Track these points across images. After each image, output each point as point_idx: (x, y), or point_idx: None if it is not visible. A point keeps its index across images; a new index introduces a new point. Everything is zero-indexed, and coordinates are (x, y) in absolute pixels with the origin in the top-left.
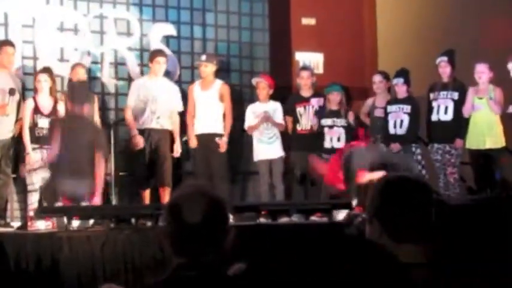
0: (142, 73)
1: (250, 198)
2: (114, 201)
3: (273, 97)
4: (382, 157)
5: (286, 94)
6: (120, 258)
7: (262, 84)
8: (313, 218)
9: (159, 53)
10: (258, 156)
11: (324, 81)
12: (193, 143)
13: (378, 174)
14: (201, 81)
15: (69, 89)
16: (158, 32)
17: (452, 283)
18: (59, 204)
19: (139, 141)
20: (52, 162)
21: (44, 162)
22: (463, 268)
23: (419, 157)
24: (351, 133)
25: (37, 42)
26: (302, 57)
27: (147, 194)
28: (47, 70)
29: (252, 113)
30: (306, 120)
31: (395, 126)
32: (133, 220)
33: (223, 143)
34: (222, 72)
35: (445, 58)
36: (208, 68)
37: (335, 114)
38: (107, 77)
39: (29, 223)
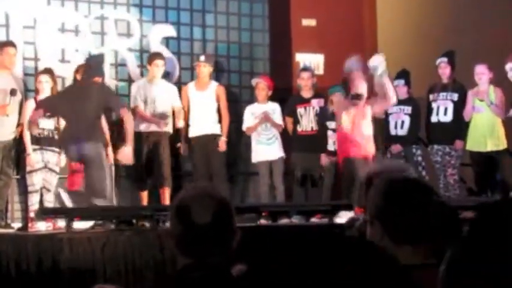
0: (142, 74)
1: (250, 199)
2: (114, 203)
3: (273, 98)
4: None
5: (286, 95)
6: (121, 260)
7: (261, 85)
8: (314, 220)
9: (157, 56)
10: (258, 157)
11: (324, 83)
12: (183, 150)
13: None
14: (197, 82)
15: (86, 60)
16: (158, 33)
17: (454, 285)
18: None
19: (161, 124)
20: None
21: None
22: (466, 270)
23: (419, 158)
24: None
25: (38, 43)
26: (302, 58)
27: (145, 195)
28: (48, 71)
29: (251, 114)
30: (307, 121)
31: (396, 127)
32: (134, 221)
33: (222, 143)
34: (221, 73)
35: (445, 59)
36: (206, 69)
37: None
38: (108, 77)
39: (29, 224)
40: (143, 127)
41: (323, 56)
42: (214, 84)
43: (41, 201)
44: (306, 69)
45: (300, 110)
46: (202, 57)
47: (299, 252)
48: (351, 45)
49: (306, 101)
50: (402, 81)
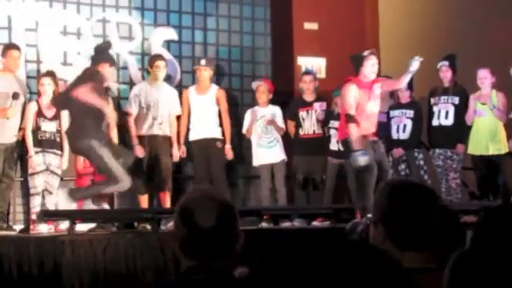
0: (143, 77)
1: (252, 202)
2: (115, 205)
3: (275, 101)
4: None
5: (288, 99)
6: (122, 262)
7: (262, 88)
8: (315, 223)
9: (158, 57)
10: (259, 160)
11: (326, 86)
12: (182, 152)
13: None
14: (197, 86)
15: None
16: (159, 36)
17: None
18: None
19: (140, 151)
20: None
21: None
22: (470, 274)
23: (421, 162)
24: None
25: (40, 46)
26: (304, 61)
27: (144, 199)
28: (50, 74)
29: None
30: (309, 124)
31: (398, 131)
32: (136, 224)
33: (228, 151)
34: (223, 77)
35: (446, 63)
36: (207, 73)
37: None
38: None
39: (31, 226)
40: (144, 130)
41: (325, 60)
42: (214, 87)
43: (43, 204)
44: (308, 72)
45: (302, 113)
46: (203, 61)
47: (301, 255)
48: (353, 48)
49: (308, 105)
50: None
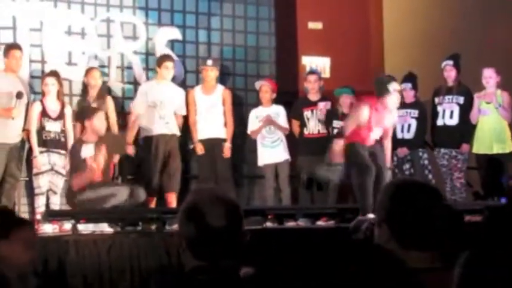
0: (147, 77)
1: (256, 202)
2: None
3: (279, 101)
4: None
5: (292, 98)
6: (127, 262)
7: (265, 88)
8: (320, 223)
9: (167, 57)
10: (263, 160)
11: (330, 86)
12: (200, 149)
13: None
14: (203, 86)
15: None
16: (163, 36)
17: None
18: None
19: (131, 150)
20: None
21: None
22: (480, 274)
23: (426, 162)
24: None
25: (45, 46)
26: (309, 61)
27: (153, 201)
28: (54, 73)
29: (255, 117)
30: (314, 124)
31: (402, 131)
32: (140, 224)
33: (227, 149)
34: (227, 77)
35: (450, 62)
36: (213, 73)
37: (346, 117)
38: (114, 80)
39: (36, 226)
40: (151, 130)
41: (329, 59)
42: (220, 87)
43: (48, 204)
44: (312, 72)
45: (307, 113)
46: (209, 61)
47: (305, 255)
48: (357, 48)
49: (312, 104)
50: (409, 85)
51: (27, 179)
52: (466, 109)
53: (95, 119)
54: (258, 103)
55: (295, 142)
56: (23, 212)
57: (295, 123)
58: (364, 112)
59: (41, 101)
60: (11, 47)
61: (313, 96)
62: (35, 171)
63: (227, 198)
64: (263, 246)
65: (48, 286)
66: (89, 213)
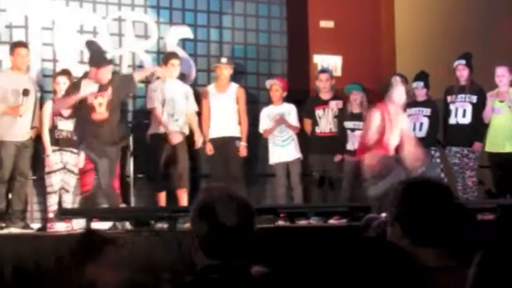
0: (158, 78)
1: (268, 200)
2: (132, 203)
3: (290, 99)
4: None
5: (304, 97)
6: (139, 261)
7: (276, 87)
8: (332, 221)
9: (172, 55)
10: (274, 159)
11: (342, 84)
12: (209, 150)
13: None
14: (217, 84)
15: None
16: (175, 35)
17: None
18: None
19: (176, 137)
20: None
21: None
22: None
23: (438, 160)
24: None
25: (56, 45)
26: (320, 60)
27: (162, 196)
28: (66, 72)
29: (267, 116)
30: (325, 122)
31: (414, 129)
32: (152, 222)
33: (243, 148)
34: (238, 75)
35: (462, 61)
36: (227, 71)
37: (356, 117)
38: None
39: (48, 225)
40: (162, 128)
41: (341, 58)
42: (234, 86)
43: (60, 202)
44: (324, 71)
45: (319, 111)
46: (223, 59)
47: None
48: (369, 46)
49: (324, 103)
50: (421, 84)
51: (35, 177)
52: (478, 108)
53: (103, 69)
54: (269, 101)
55: (306, 140)
56: (36, 210)
57: (307, 122)
58: (376, 117)
59: (53, 100)
60: (16, 44)
61: (324, 95)
62: (47, 169)
63: (239, 196)
64: (275, 244)
65: (60, 284)
66: (102, 211)
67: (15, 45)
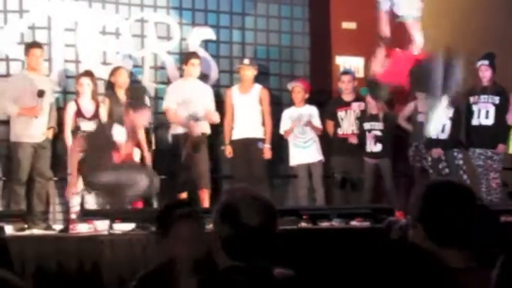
0: (181, 77)
1: (290, 202)
2: (155, 205)
3: (312, 101)
4: None
5: (326, 98)
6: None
7: (298, 88)
8: (354, 223)
9: (192, 55)
10: (295, 160)
11: (364, 86)
12: (228, 152)
13: None
14: (240, 85)
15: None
16: (197, 36)
17: None
18: None
19: (195, 128)
20: None
21: None
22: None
23: (460, 162)
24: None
25: (79, 46)
26: (342, 61)
27: (183, 196)
28: (88, 73)
29: (288, 118)
30: (347, 124)
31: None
32: None
33: (267, 150)
34: (261, 76)
35: (485, 62)
36: (250, 72)
37: (373, 118)
38: (147, 80)
39: (70, 226)
40: (181, 129)
41: (363, 59)
42: (258, 87)
43: (82, 203)
44: (346, 72)
45: (341, 113)
46: (246, 60)
47: (342, 255)
48: None
49: (346, 104)
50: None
51: (55, 178)
52: (501, 109)
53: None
54: (291, 103)
55: (328, 142)
56: (58, 211)
57: (330, 124)
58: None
59: (76, 101)
60: (31, 45)
61: (347, 97)
62: (69, 171)
63: (261, 197)
64: (297, 246)
65: (83, 286)
66: (124, 212)
67: (29, 46)
